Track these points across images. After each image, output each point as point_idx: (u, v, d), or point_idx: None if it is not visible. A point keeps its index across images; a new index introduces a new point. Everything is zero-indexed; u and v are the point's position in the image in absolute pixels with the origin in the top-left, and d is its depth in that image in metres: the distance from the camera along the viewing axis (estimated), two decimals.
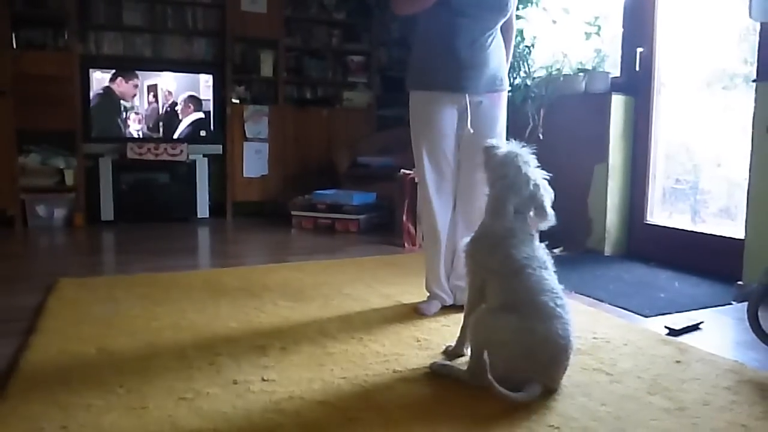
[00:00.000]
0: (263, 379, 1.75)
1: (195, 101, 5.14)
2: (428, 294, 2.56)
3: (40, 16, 4.70)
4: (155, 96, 5.06)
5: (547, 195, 1.80)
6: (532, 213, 1.81)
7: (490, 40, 2.38)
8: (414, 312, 2.45)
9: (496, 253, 1.79)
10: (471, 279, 1.90)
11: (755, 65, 2.89)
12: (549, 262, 1.80)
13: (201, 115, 5.15)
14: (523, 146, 1.86)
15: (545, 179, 1.82)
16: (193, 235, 4.56)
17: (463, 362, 1.87)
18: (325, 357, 1.95)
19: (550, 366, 1.68)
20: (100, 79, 4.87)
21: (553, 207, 1.79)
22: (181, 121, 5.13)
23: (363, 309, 2.51)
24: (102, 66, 4.92)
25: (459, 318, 2.31)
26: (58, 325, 2.24)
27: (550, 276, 1.76)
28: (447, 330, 2.23)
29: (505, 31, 2.51)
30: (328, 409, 1.58)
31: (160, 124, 5.09)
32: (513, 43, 2.57)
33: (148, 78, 5.03)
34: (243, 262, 3.49)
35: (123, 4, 5.06)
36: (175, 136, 5.10)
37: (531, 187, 1.78)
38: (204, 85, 5.17)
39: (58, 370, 1.82)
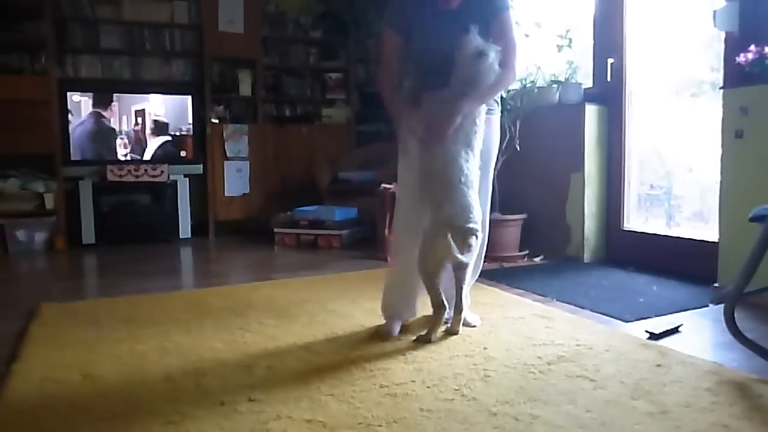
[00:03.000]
0: (250, 399, 1.75)
1: (159, 125, 5.13)
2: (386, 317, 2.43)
3: (16, 41, 4.69)
4: (141, 119, 5.07)
5: None
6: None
7: None
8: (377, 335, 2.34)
9: None
10: None
11: (721, 73, 2.97)
12: None
13: (168, 137, 5.15)
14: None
15: None
16: (175, 256, 4.54)
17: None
18: (311, 374, 1.95)
19: None
20: (78, 102, 4.86)
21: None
22: (148, 143, 5.13)
23: (348, 324, 2.52)
24: (80, 89, 4.91)
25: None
26: (41, 351, 2.21)
27: None
28: (432, 343, 2.25)
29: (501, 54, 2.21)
30: (317, 427, 1.58)
31: (139, 146, 5.09)
32: (510, 66, 2.25)
33: (136, 102, 5.05)
34: (227, 281, 3.49)
35: (100, 27, 5.07)
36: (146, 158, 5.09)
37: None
38: (185, 106, 5.18)
39: (42, 398, 1.80)
